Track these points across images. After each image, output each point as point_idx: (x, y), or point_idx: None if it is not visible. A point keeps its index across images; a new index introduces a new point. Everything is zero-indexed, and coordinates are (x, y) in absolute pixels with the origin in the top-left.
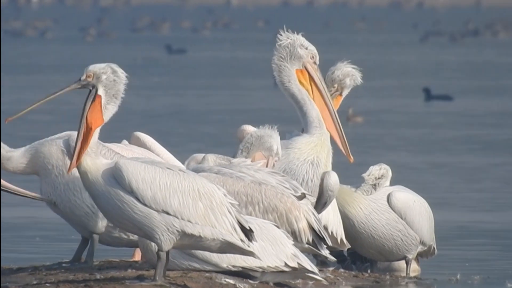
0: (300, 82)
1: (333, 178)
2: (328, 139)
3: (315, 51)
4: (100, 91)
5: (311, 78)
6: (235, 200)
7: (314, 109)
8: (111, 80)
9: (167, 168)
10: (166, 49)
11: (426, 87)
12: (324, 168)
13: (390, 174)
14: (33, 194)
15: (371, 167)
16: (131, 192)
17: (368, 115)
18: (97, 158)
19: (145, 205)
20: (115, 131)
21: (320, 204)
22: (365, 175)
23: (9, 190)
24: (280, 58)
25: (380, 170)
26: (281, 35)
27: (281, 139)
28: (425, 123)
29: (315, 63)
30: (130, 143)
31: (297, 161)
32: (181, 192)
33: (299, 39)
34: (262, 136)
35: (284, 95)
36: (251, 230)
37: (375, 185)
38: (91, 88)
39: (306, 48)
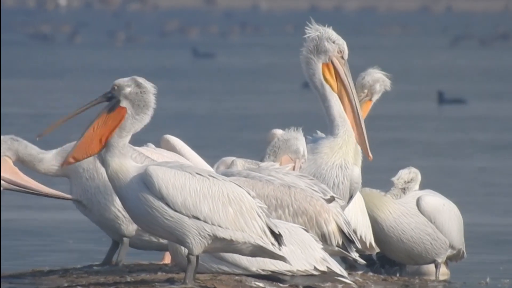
0: (325, 76)
1: (356, 172)
2: (353, 136)
3: (344, 45)
4: (124, 103)
5: (336, 72)
6: (264, 204)
7: (336, 106)
8: (136, 92)
9: (197, 173)
10: (193, 53)
11: (440, 90)
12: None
13: (420, 178)
14: (66, 195)
15: (401, 170)
16: (162, 198)
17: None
18: (126, 159)
19: (175, 210)
20: (143, 134)
21: (347, 199)
22: (394, 179)
23: (40, 192)
24: (308, 50)
25: (409, 174)
26: (310, 27)
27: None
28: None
29: (342, 57)
30: (160, 146)
31: (326, 166)
32: (211, 197)
33: (327, 32)
34: (289, 139)
35: (313, 92)
36: (280, 235)
37: (404, 189)
38: (113, 98)
39: (334, 42)
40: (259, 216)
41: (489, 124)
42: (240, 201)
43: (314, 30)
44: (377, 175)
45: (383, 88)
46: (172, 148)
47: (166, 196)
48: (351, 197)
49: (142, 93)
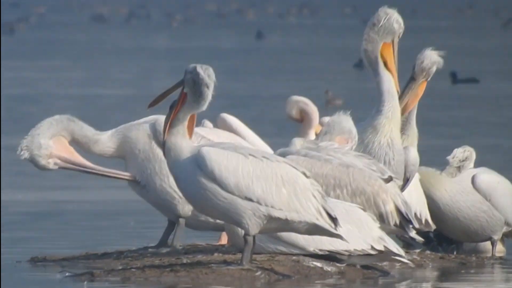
0: (382, 54)
1: (412, 152)
2: (398, 112)
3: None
4: (186, 88)
5: (393, 52)
6: (320, 185)
7: (387, 82)
8: (194, 81)
9: (251, 154)
10: (257, 35)
11: (452, 71)
12: (403, 142)
13: (474, 156)
14: (125, 174)
15: (455, 149)
16: (214, 180)
17: None
18: (183, 140)
19: (228, 192)
20: (201, 113)
21: (404, 180)
22: (449, 157)
23: (98, 171)
24: (374, 28)
25: (464, 153)
26: (380, 8)
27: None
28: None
29: (398, 37)
30: (216, 125)
31: (373, 145)
32: (264, 179)
33: (396, 14)
34: (341, 121)
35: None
36: (336, 218)
37: (459, 167)
38: (183, 85)
39: (400, 24)
40: (314, 196)
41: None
42: (294, 182)
43: (384, 12)
44: (432, 154)
45: (437, 69)
46: (228, 127)
47: (219, 178)
48: (407, 180)
49: (198, 84)
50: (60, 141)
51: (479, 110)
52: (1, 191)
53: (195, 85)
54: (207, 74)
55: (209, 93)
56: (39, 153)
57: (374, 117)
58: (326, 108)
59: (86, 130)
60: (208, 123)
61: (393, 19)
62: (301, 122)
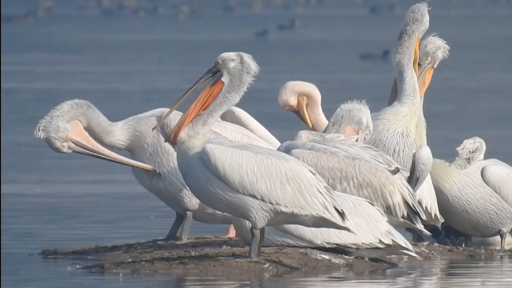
0: (414, 49)
1: (425, 151)
2: (420, 110)
3: None
4: (224, 78)
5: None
6: (326, 180)
7: (413, 78)
8: (239, 69)
9: (255, 152)
10: (278, 27)
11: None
12: (417, 139)
13: (484, 148)
14: (140, 163)
15: (465, 140)
16: (219, 177)
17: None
18: (195, 135)
19: (233, 189)
20: None
21: (413, 179)
22: (459, 149)
23: (111, 158)
24: (416, 23)
25: (474, 144)
26: (421, 3)
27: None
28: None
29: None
30: (224, 117)
31: (387, 133)
32: (268, 176)
33: (427, 10)
34: (351, 109)
35: (392, 66)
36: (343, 213)
37: (469, 159)
38: (216, 72)
39: (428, 21)
40: (320, 192)
41: None
42: (298, 179)
43: (422, 6)
44: (441, 145)
45: (443, 55)
46: (236, 120)
47: (223, 175)
48: (418, 179)
49: (242, 71)
50: (76, 125)
51: (486, 101)
52: (17, 184)
53: (238, 72)
54: (254, 62)
55: (247, 84)
56: (55, 135)
57: (396, 107)
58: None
59: (102, 120)
60: None
61: (426, 13)
62: (296, 112)
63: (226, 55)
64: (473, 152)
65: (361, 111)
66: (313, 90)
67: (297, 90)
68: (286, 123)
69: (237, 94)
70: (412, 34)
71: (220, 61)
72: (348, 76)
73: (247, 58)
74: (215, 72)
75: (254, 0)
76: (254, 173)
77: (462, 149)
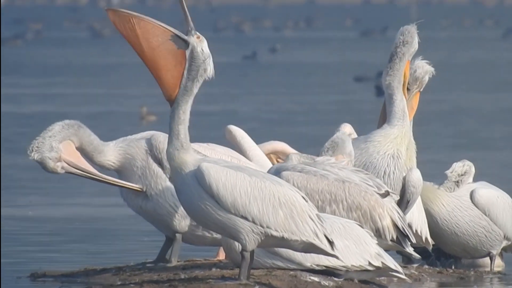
0: (404, 73)
1: (415, 174)
2: (410, 132)
3: None
4: (187, 52)
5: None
6: (318, 203)
7: (403, 101)
8: (200, 57)
9: (250, 174)
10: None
11: (378, 85)
12: (407, 161)
13: (473, 171)
14: (134, 185)
15: (454, 163)
16: (212, 196)
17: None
18: (187, 152)
19: (225, 209)
20: (205, 130)
21: (404, 202)
22: (448, 172)
23: (103, 179)
24: (407, 46)
25: (463, 167)
26: (412, 25)
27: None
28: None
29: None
30: (225, 136)
31: (377, 155)
32: (261, 199)
33: (416, 31)
34: (345, 141)
35: (383, 85)
36: (333, 242)
37: (458, 181)
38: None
39: (418, 43)
40: (312, 219)
41: None
42: (291, 205)
43: (412, 29)
44: (431, 168)
45: (428, 79)
46: (233, 139)
47: (216, 194)
48: (408, 202)
49: (198, 57)
50: (69, 145)
51: (477, 123)
52: (2, 207)
53: (195, 61)
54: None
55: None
56: (49, 156)
57: (386, 129)
58: (140, 124)
59: (93, 139)
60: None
61: (415, 35)
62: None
63: (204, 43)
64: (462, 175)
65: (350, 144)
66: (280, 146)
67: (269, 150)
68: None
69: (195, 82)
70: (403, 56)
71: (197, 37)
72: (344, 98)
73: (201, 44)
74: (185, 41)
75: (243, 22)
76: (247, 195)
77: (451, 172)
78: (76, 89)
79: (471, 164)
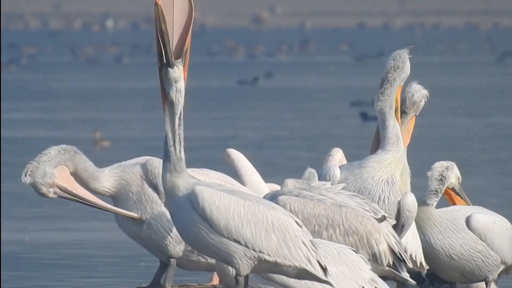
0: (396, 97)
1: (410, 199)
2: (404, 157)
3: None
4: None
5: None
6: (310, 235)
7: (396, 126)
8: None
9: (244, 198)
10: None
11: (363, 111)
12: (402, 186)
13: (457, 170)
14: (130, 213)
15: (435, 163)
16: (205, 219)
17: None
18: (179, 175)
19: (217, 233)
20: (204, 150)
21: (399, 227)
22: (429, 173)
23: (97, 206)
24: (398, 71)
25: (443, 165)
26: (405, 50)
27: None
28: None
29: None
30: (224, 158)
31: (372, 180)
32: (254, 223)
33: (407, 56)
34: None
35: (374, 109)
36: (326, 269)
37: (441, 179)
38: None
39: (409, 68)
40: (305, 244)
41: None
42: (284, 229)
43: (405, 53)
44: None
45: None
46: (231, 162)
47: (210, 218)
48: (403, 226)
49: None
50: (63, 171)
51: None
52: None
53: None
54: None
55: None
56: (42, 181)
57: (380, 154)
58: (94, 150)
59: (88, 165)
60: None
61: (407, 60)
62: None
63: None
64: (442, 171)
65: (346, 168)
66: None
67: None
68: (273, 169)
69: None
70: (394, 81)
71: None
72: (342, 122)
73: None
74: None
75: (237, 48)
76: (240, 218)
77: (432, 171)
78: (68, 114)
79: (452, 163)
